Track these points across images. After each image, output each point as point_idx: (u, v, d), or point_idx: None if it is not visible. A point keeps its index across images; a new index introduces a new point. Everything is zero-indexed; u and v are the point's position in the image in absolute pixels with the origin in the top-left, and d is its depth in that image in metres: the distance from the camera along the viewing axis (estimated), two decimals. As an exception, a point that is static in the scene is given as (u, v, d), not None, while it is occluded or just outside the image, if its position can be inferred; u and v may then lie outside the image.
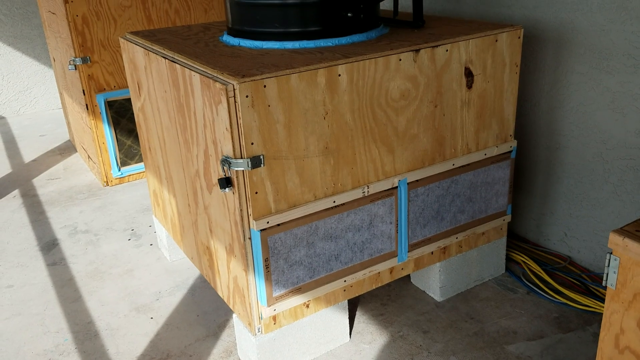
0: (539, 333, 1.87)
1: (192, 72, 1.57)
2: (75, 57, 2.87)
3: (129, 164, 3.20)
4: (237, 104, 1.42)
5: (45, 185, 3.23)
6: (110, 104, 3.03)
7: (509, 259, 2.25)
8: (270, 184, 1.53)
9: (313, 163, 1.58)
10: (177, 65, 1.67)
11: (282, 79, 1.45)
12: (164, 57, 1.76)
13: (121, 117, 3.08)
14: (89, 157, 3.33)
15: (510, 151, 1.97)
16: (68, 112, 3.61)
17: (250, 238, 1.56)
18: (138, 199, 3.01)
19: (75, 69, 2.91)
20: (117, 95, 3.03)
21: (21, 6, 4.30)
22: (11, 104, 4.48)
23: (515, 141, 1.98)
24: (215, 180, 1.63)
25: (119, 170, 3.17)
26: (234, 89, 1.40)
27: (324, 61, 1.53)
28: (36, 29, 4.40)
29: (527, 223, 2.36)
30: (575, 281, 2.08)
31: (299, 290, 1.69)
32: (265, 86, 1.43)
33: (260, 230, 1.55)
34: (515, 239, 2.36)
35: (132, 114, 3.09)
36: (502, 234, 2.12)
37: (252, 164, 1.47)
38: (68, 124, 3.80)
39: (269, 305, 1.64)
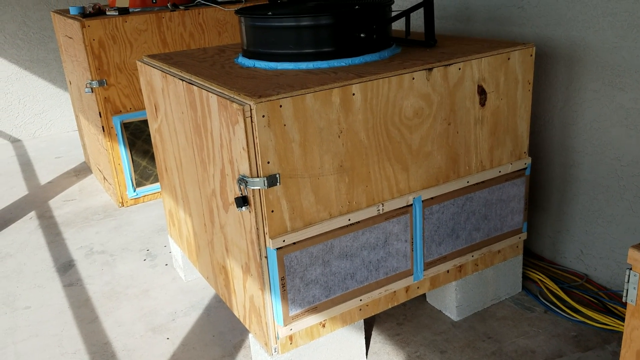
0: (558, 352, 1.85)
1: (210, 94, 1.59)
2: (92, 80, 2.92)
3: (144, 185, 3.23)
4: (253, 123, 1.44)
5: (61, 206, 3.26)
6: (126, 126, 3.07)
7: (525, 277, 2.23)
8: (286, 203, 1.54)
9: (328, 181, 1.60)
10: (194, 87, 1.69)
11: (298, 98, 1.47)
12: (181, 80, 1.79)
13: (137, 138, 3.12)
14: (104, 178, 3.37)
15: (525, 168, 1.97)
16: (84, 134, 3.66)
17: (266, 257, 1.57)
18: (153, 219, 3.03)
19: (92, 91, 2.96)
20: (132, 117, 3.08)
21: (37, 30, 4.39)
22: (27, 126, 4.55)
23: (530, 158, 1.98)
24: (231, 200, 1.65)
25: (134, 190, 3.20)
26: (251, 109, 1.43)
27: (338, 81, 1.55)
28: (52, 52, 4.48)
29: (543, 241, 2.34)
30: (592, 299, 2.06)
31: (315, 310, 1.69)
32: (281, 106, 1.45)
33: (277, 248, 1.55)
34: (531, 257, 2.35)
35: (148, 135, 3.13)
36: (518, 252, 2.11)
37: (268, 182, 1.49)
38: (83, 145, 3.85)
39: (285, 325, 1.64)
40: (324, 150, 1.56)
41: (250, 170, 1.48)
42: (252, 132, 1.45)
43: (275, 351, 1.68)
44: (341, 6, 1.82)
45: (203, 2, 3.20)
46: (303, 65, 1.74)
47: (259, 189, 1.50)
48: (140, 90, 3.05)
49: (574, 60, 2.03)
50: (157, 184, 3.26)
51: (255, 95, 1.45)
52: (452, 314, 2.05)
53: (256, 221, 1.53)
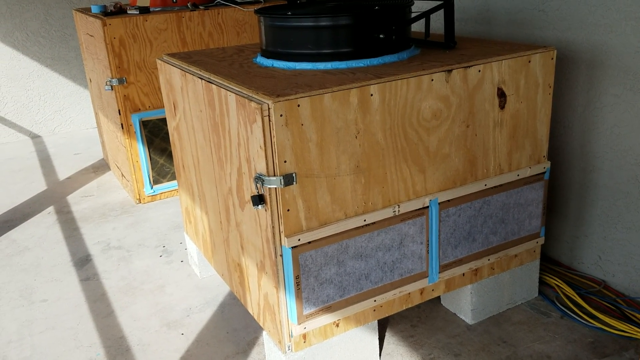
0: (574, 358, 1.83)
1: (228, 92, 1.60)
2: (112, 78, 2.95)
3: (161, 182, 3.25)
4: (271, 122, 1.44)
5: (79, 202, 3.30)
6: (144, 124, 3.10)
7: (541, 282, 2.21)
8: (302, 202, 1.54)
9: (344, 181, 1.60)
10: (213, 85, 1.70)
11: (316, 98, 1.48)
12: (200, 78, 1.80)
13: (155, 136, 3.14)
14: (122, 175, 3.40)
15: (544, 172, 1.96)
16: (103, 132, 3.70)
17: (281, 255, 1.58)
18: (169, 216, 3.06)
19: (112, 89, 2.99)
20: (151, 115, 3.11)
21: (59, 29, 4.45)
22: (47, 123, 4.61)
23: (549, 162, 1.96)
24: (247, 198, 1.66)
25: (152, 188, 3.22)
26: (269, 108, 1.43)
27: (356, 81, 1.55)
28: (73, 50, 4.54)
29: (560, 246, 2.32)
30: (610, 305, 2.04)
31: (329, 309, 1.69)
32: (299, 105, 1.46)
33: (292, 247, 1.56)
34: (548, 262, 2.33)
35: (166, 133, 3.15)
36: (535, 257, 2.09)
37: (284, 181, 1.49)
38: (102, 143, 3.89)
39: (299, 323, 1.64)
40: (340, 151, 1.56)
41: (267, 169, 1.49)
42: (269, 131, 1.46)
43: (288, 349, 1.68)
44: (361, 7, 1.82)
45: (222, 2, 3.22)
46: (321, 66, 1.75)
47: (276, 188, 1.50)
48: (159, 88, 3.08)
49: (596, 65, 2.01)
50: (174, 182, 3.28)
51: (274, 94, 1.46)
52: (467, 317, 2.03)
53: (272, 220, 1.54)
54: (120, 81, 2.96)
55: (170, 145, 3.19)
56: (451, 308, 2.11)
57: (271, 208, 1.52)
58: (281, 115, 1.44)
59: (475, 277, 1.97)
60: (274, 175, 1.49)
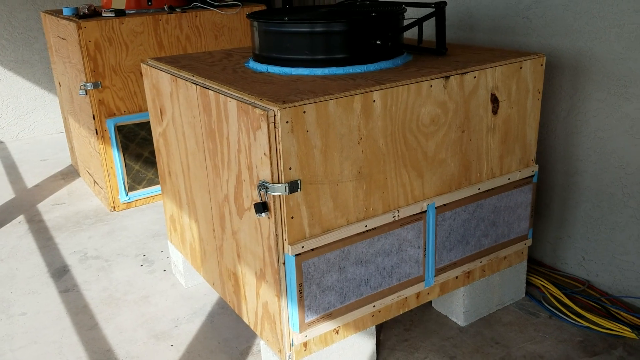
0: (565, 357, 1.87)
1: (228, 98, 1.57)
2: (87, 82, 2.86)
3: (136, 189, 3.17)
4: (277, 129, 1.43)
5: (50, 210, 3.19)
6: (119, 129, 3.02)
7: (528, 283, 2.26)
8: (306, 209, 1.53)
9: (347, 188, 1.59)
10: (209, 91, 1.67)
11: (321, 104, 1.47)
12: (194, 84, 1.76)
13: (130, 141, 3.07)
14: (94, 182, 3.30)
15: (532, 176, 2.00)
16: (73, 137, 3.58)
17: (284, 263, 1.56)
18: (147, 224, 2.99)
19: (86, 93, 2.90)
20: (126, 120, 3.03)
21: (23, 31, 4.30)
22: (10, 128, 4.44)
23: (537, 166, 2.00)
24: (247, 205, 1.63)
25: (127, 195, 3.14)
26: (275, 115, 1.41)
27: (358, 87, 1.55)
28: (37, 53, 4.39)
29: (543, 247, 2.37)
30: (596, 305, 2.09)
31: (329, 316, 1.68)
32: (304, 112, 1.44)
33: (295, 255, 1.54)
34: (532, 263, 2.38)
35: (141, 138, 3.08)
36: (522, 258, 2.13)
37: (289, 188, 1.47)
38: (71, 148, 3.77)
39: (301, 332, 1.63)
40: (344, 157, 1.55)
41: (272, 176, 1.47)
42: (275, 137, 1.44)
43: (289, 358, 1.66)
44: (358, 13, 1.82)
45: (200, 4, 3.17)
46: (319, 71, 1.74)
47: (280, 195, 1.48)
48: (135, 93, 3.01)
49: (580, 71, 2.07)
50: (150, 189, 3.21)
51: (279, 100, 1.44)
52: (459, 319, 2.06)
53: (275, 227, 1.52)
54: (95, 85, 2.88)
55: (145, 151, 3.12)
56: (443, 311, 2.12)
57: (275, 216, 1.50)
58: (287, 122, 1.43)
59: (467, 279, 2.00)
60: (279, 183, 1.47)
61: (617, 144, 2.01)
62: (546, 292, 2.19)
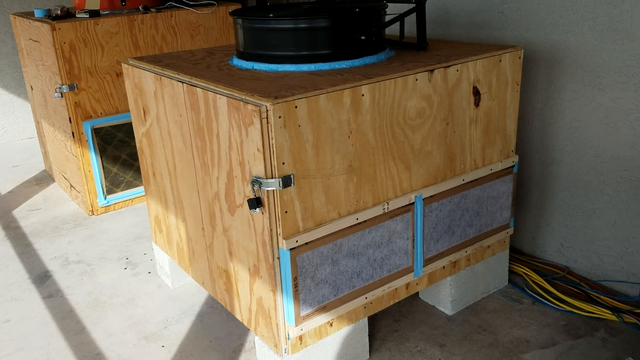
0: (551, 341, 1.93)
1: (217, 96, 1.58)
2: (62, 85, 2.82)
3: (115, 192, 3.14)
4: (269, 125, 1.44)
5: (27, 216, 3.13)
6: (96, 131, 2.98)
7: (510, 271, 2.32)
8: (299, 203, 1.55)
9: (338, 181, 1.61)
10: (197, 89, 1.67)
11: (312, 99, 1.49)
12: (180, 82, 1.76)
13: (107, 144, 3.03)
14: (71, 186, 3.25)
15: (513, 166, 2.06)
16: (47, 141, 3.52)
17: (279, 258, 1.57)
18: (127, 227, 2.96)
19: (62, 96, 2.86)
20: (103, 123, 2.99)
21: (-11, 35, 4.20)
22: (-22, 134, 4.33)
23: (517, 156, 2.06)
24: (239, 202, 1.64)
25: (105, 198, 3.10)
26: (267, 110, 1.43)
27: (347, 82, 1.57)
28: (5, 57, 4.29)
29: (523, 235, 2.44)
30: (576, 289, 2.16)
31: (324, 309, 1.70)
32: (296, 107, 1.46)
33: (290, 249, 1.56)
34: (512, 252, 2.44)
35: (119, 141, 3.05)
36: (505, 247, 2.19)
37: (283, 183, 1.49)
38: (44, 153, 3.70)
39: (296, 325, 1.64)
40: (334, 151, 1.58)
41: (265, 171, 1.48)
42: (267, 133, 1.45)
43: (285, 352, 1.68)
44: (342, 9, 1.85)
45: (175, 4, 3.15)
46: (305, 67, 1.75)
47: (274, 190, 1.50)
48: (111, 94, 2.97)
49: (554, 63, 2.13)
50: (129, 191, 3.17)
51: (271, 96, 1.45)
52: (447, 308, 2.10)
53: (270, 222, 1.53)
54: (71, 87, 2.84)
55: (123, 154, 3.08)
56: (430, 301, 2.17)
57: (269, 211, 1.52)
58: (280, 117, 1.44)
59: (453, 269, 2.04)
60: (273, 178, 1.49)
61: (592, 133, 2.09)
62: (528, 279, 2.25)
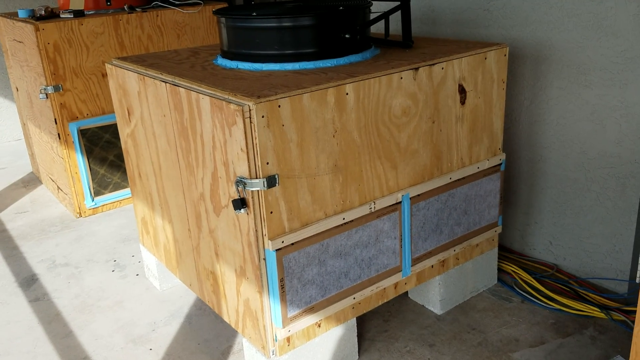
0: (540, 339, 1.93)
1: (200, 95, 1.56)
2: (47, 86, 2.79)
3: (102, 194, 3.11)
4: (252, 124, 1.42)
5: (13, 219, 3.10)
6: (83, 133, 2.95)
7: (498, 269, 2.31)
8: (284, 203, 1.53)
9: (323, 181, 1.60)
10: (180, 89, 1.66)
11: (295, 98, 1.47)
12: (163, 82, 1.74)
13: (94, 145, 3.00)
14: (58, 188, 3.22)
15: (500, 164, 2.05)
16: (33, 143, 3.49)
17: (265, 259, 1.56)
18: (115, 229, 2.93)
19: (47, 97, 2.83)
20: (89, 124, 2.97)
21: (-26, 36, 4.15)
22: (-36, 137, 4.29)
23: (504, 154, 2.06)
24: (224, 203, 1.62)
25: (93, 200, 3.08)
26: (250, 110, 1.41)
27: (331, 80, 1.56)
28: (-10, 59, 4.25)
29: (511, 234, 2.44)
30: (565, 287, 2.16)
31: (311, 310, 1.68)
32: (279, 106, 1.45)
33: (276, 250, 1.54)
34: (501, 250, 2.43)
35: (105, 142, 3.02)
36: (493, 245, 2.18)
37: (267, 183, 1.48)
38: (31, 155, 3.67)
39: (284, 327, 1.63)
40: (319, 150, 1.56)
41: (250, 171, 1.47)
42: (251, 132, 1.44)
43: (273, 354, 1.66)
44: (326, 7, 1.83)
45: (161, 3, 3.13)
46: (289, 66, 1.74)
47: (258, 190, 1.48)
48: (97, 95, 2.95)
49: (540, 60, 2.13)
50: (117, 193, 3.15)
51: (254, 95, 1.44)
52: (436, 308, 2.09)
53: (255, 223, 1.51)
54: (56, 88, 2.81)
55: (110, 155, 3.06)
56: (419, 300, 2.16)
57: (254, 211, 1.50)
58: (263, 117, 1.43)
59: (442, 268, 2.03)
60: (257, 178, 1.47)
61: (579, 130, 2.08)
62: (517, 278, 2.25)
